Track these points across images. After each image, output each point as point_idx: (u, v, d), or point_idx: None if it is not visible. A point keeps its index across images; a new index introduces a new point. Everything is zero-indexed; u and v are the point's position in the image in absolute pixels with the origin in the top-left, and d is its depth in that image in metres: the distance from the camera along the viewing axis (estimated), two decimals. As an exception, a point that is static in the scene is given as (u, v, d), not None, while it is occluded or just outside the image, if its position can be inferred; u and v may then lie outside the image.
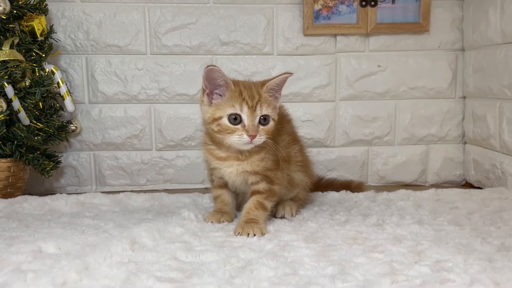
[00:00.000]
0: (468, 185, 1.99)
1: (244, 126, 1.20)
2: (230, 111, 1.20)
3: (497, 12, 1.72)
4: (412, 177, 2.01)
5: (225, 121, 1.21)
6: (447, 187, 1.81)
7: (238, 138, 1.20)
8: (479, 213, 1.42)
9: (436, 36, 1.95)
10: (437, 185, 1.97)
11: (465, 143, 2.01)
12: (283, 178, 1.35)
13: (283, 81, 1.28)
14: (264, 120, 1.23)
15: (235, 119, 1.20)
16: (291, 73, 1.27)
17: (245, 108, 1.20)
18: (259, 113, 1.21)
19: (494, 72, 1.75)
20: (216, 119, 1.22)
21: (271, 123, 1.25)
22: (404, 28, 1.91)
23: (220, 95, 1.23)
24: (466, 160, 1.99)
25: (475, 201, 1.57)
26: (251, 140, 1.20)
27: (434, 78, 1.97)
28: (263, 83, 1.26)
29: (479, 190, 1.72)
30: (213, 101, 1.24)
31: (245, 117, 1.20)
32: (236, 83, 1.24)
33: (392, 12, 1.89)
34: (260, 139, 1.21)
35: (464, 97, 1.99)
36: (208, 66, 1.20)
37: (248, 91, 1.22)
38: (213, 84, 1.23)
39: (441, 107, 1.99)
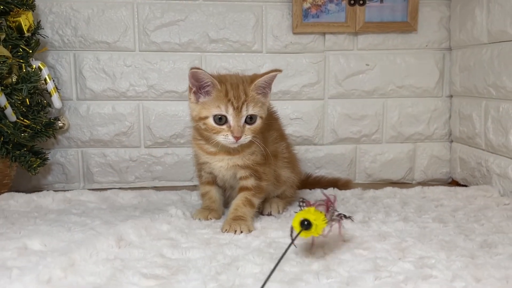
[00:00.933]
0: (454, 183, 2.01)
1: (229, 126, 1.20)
2: (216, 111, 1.20)
3: (483, 12, 1.74)
4: (400, 175, 2.03)
5: (210, 121, 1.21)
6: (433, 185, 1.83)
7: (223, 138, 1.21)
8: (463, 210, 1.44)
9: (424, 35, 1.96)
10: (424, 183, 1.99)
11: (452, 141, 2.03)
12: (271, 174, 1.36)
13: (272, 79, 1.27)
14: (250, 119, 1.22)
15: (220, 119, 1.20)
16: (280, 70, 1.26)
17: (230, 109, 1.19)
18: (245, 113, 1.21)
19: (480, 71, 1.77)
20: (202, 118, 1.22)
21: (258, 122, 1.24)
22: (392, 27, 1.92)
23: (207, 93, 1.23)
24: (453, 158, 2.01)
25: (460, 198, 1.59)
26: (236, 140, 1.20)
27: (421, 77, 1.99)
28: (252, 80, 1.25)
29: (464, 187, 1.74)
30: (199, 99, 1.23)
31: (230, 118, 1.20)
32: (223, 80, 1.23)
33: (380, 11, 1.90)
34: (245, 139, 1.21)
35: (451, 96, 2.01)
36: (192, 68, 1.19)
37: (235, 90, 1.20)
38: (199, 84, 1.22)
39: (428, 106, 2.01)
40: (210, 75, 1.21)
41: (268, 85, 1.27)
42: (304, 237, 0.96)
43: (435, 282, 0.89)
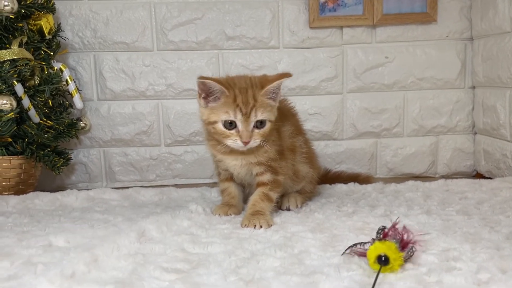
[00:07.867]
0: (478, 175, 1.97)
1: (238, 131, 1.20)
2: (224, 117, 1.20)
3: (505, 0, 1.69)
4: (422, 169, 2.00)
5: (220, 126, 1.22)
6: (457, 178, 1.80)
7: (232, 142, 1.22)
8: (488, 202, 1.40)
9: (444, 26, 1.92)
10: (447, 176, 1.95)
11: (475, 133, 1.99)
12: (287, 167, 1.35)
13: (281, 84, 1.26)
14: (260, 123, 1.22)
15: (230, 124, 1.21)
16: (290, 75, 1.25)
17: (239, 115, 1.19)
18: (253, 119, 1.21)
19: (504, 60, 1.73)
20: (211, 123, 1.23)
21: (267, 126, 1.24)
22: (411, 18, 1.89)
23: (216, 98, 1.22)
24: (476, 151, 1.97)
25: (484, 191, 1.55)
26: (245, 145, 1.21)
27: (442, 68, 1.95)
28: (262, 84, 1.23)
29: (489, 180, 1.70)
30: (208, 103, 1.23)
31: (239, 123, 1.20)
32: (231, 85, 1.21)
33: (398, 2, 1.87)
34: (254, 142, 1.22)
35: (474, 87, 1.97)
36: (200, 78, 1.19)
37: (243, 96, 1.20)
38: (208, 90, 1.22)
39: (450, 98, 1.97)
40: (218, 81, 1.20)
41: (277, 89, 1.26)
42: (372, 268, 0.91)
43: (460, 274, 0.87)
